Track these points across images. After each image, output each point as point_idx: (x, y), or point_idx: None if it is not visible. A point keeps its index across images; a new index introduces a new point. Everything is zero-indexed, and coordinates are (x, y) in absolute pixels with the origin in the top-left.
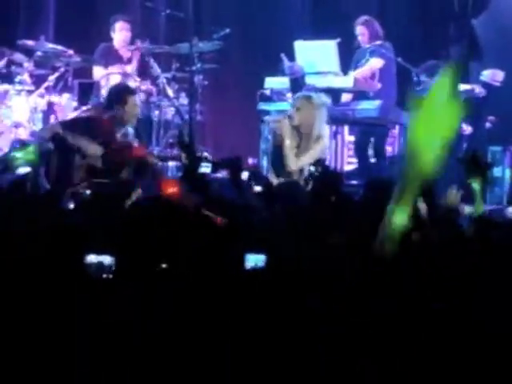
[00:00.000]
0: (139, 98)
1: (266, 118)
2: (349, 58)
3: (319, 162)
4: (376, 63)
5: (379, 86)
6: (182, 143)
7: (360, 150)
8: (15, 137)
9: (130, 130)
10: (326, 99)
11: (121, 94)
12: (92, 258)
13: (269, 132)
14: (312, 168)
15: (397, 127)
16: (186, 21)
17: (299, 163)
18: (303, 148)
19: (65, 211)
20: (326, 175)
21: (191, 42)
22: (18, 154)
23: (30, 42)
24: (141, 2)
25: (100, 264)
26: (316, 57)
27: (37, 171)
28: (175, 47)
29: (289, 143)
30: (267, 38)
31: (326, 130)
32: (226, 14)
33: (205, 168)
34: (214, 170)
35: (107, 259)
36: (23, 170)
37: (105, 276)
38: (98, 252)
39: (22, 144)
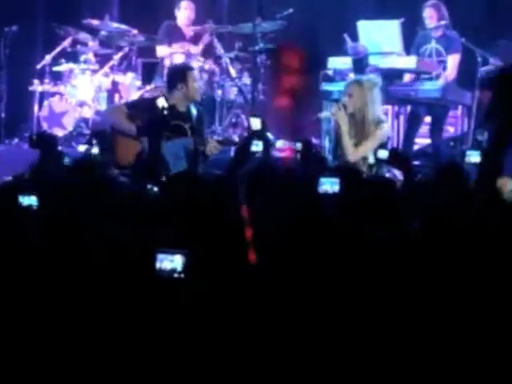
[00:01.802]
0: (198, 74)
1: (320, 115)
2: (412, 38)
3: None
4: (455, 60)
5: (441, 68)
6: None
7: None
8: (80, 115)
9: (193, 111)
10: (377, 80)
11: (181, 71)
12: (163, 264)
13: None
14: (379, 154)
15: (459, 108)
16: (249, 0)
17: (358, 154)
18: (363, 135)
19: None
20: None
21: (254, 21)
22: None
23: (94, 22)
24: None
25: (172, 269)
26: (379, 37)
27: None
28: (238, 27)
29: (346, 134)
30: (330, 17)
31: (381, 111)
32: None
33: (255, 146)
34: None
35: (178, 260)
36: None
37: (176, 276)
38: (171, 247)
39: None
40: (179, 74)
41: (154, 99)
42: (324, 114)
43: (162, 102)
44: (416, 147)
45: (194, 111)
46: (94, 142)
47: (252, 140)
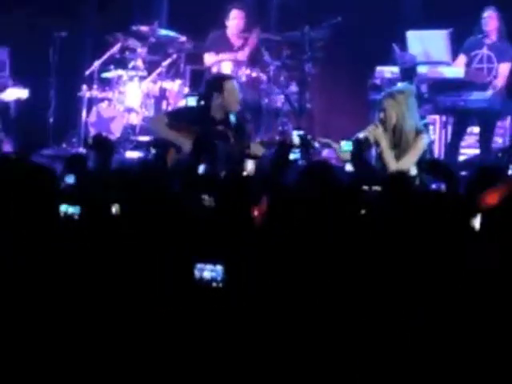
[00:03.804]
0: (237, 83)
1: (357, 137)
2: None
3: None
4: (506, 69)
5: (491, 76)
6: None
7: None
8: (127, 122)
9: (232, 119)
10: (409, 88)
11: (217, 81)
12: (202, 273)
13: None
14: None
15: (508, 118)
16: (297, 9)
17: (401, 167)
18: (404, 147)
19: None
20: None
21: (303, 30)
22: None
23: (143, 28)
24: None
25: (212, 278)
26: (428, 46)
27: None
28: (286, 35)
29: (387, 149)
30: (379, 26)
31: (418, 120)
32: (337, 2)
33: (293, 154)
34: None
35: (218, 270)
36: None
37: (215, 285)
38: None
39: None
40: (216, 84)
41: (192, 106)
42: (360, 136)
43: (191, 101)
44: (463, 158)
45: (233, 119)
46: (153, 150)
47: (289, 151)
